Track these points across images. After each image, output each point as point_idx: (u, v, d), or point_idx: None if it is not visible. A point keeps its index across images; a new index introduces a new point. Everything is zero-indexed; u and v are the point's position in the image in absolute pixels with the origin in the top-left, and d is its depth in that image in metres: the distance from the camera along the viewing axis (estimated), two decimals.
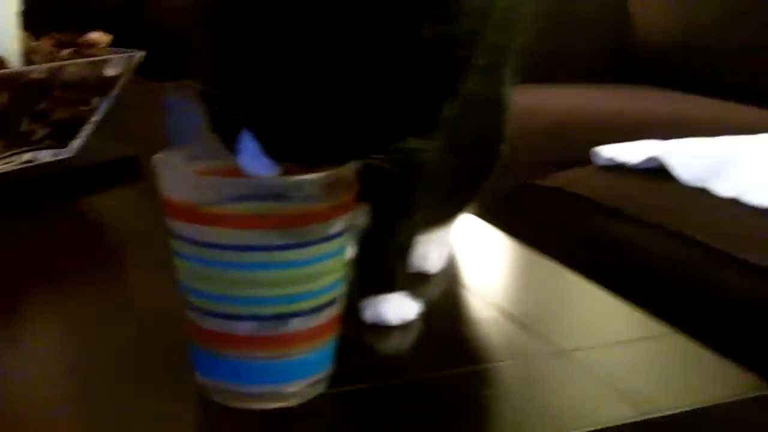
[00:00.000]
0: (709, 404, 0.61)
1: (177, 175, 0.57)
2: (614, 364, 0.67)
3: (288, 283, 0.55)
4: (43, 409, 0.61)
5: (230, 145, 0.56)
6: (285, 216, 0.54)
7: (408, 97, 0.56)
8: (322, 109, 0.54)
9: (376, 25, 0.53)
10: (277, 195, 0.55)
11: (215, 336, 0.57)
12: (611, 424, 0.58)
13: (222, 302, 0.56)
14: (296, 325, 0.56)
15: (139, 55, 1.15)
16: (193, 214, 0.55)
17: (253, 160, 0.55)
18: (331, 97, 0.54)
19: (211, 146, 0.59)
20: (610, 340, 0.72)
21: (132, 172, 1.17)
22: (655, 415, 0.59)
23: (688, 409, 0.60)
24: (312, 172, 0.55)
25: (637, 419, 0.59)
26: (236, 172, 0.56)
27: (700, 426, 0.62)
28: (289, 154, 0.55)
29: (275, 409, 0.58)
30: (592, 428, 0.57)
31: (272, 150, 0.55)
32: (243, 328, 0.56)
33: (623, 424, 0.58)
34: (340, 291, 0.59)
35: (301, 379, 0.58)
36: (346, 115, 0.54)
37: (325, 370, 0.59)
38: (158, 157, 0.57)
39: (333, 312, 0.58)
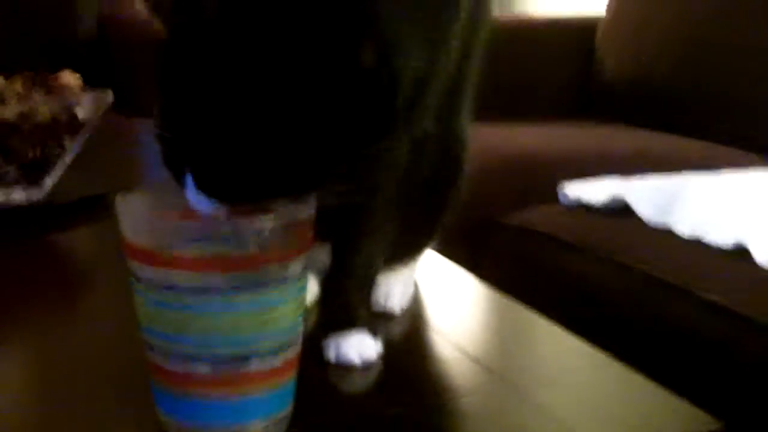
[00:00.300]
0: None
1: (135, 217, 0.58)
2: (567, 400, 0.69)
3: (245, 326, 0.56)
4: None
5: (179, 181, 0.58)
6: (240, 259, 0.55)
7: (343, 130, 0.57)
8: (254, 148, 0.55)
9: (311, 56, 0.55)
10: (233, 238, 0.56)
11: (175, 376, 0.58)
12: None
13: (179, 343, 0.57)
14: (254, 366, 0.57)
15: (110, 96, 1.17)
16: (150, 256, 0.56)
17: (197, 197, 0.57)
18: (263, 136, 0.55)
19: (174, 186, 0.61)
20: (565, 378, 0.74)
21: (101, 209, 1.16)
22: None
23: None
24: (264, 213, 0.56)
25: None
26: (197, 215, 0.58)
27: None
28: (223, 192, 0.57)
29: None
30: None
31: (207, 188, 0.57)
32: (201, 369, 0.57)
33: None
34: (297, 332, 0.60)
35: (261, 418, 0.59)
36: (279, 152, 0.56)
37: (285, 409, 0.61)
38: (119, 199, 0.59)
39: (291, 353, 0.59)
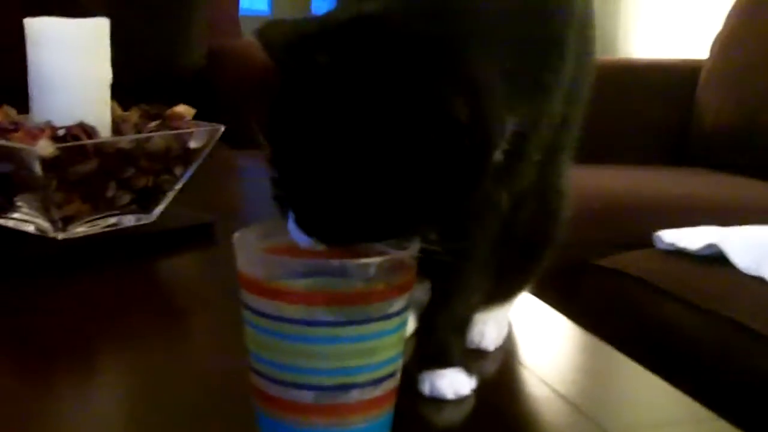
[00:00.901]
0: None
1: (249, 250, 0.62)
2: None
3: (348, 357, 0.59)
4: None
5: (284, 217, 0.62)
6: (347, 294, 0.59)
7: (436, 181, 0.60)
8: (351, 194, 0.59)
9: (408, 111, 0.58)
10: (340, 274, 0.59)
11: (278, 402, 0.61)
12: None
13: (285, 371, 0.60)
14: (355, 396, 0.60)
15: (221, 129, 1.20)
16: (261, 288, 0.60)
17: (297, 232, 0.61)
18: (360, 183, 0.59)
19: (285, 223, 0.64)
20: (655, 423, 0.75)
21: (207, 237, 1.21)
22: None
23: None
24: (370, 254, 0.60)
25: None
26: (304, 251, 0.62)
27: None
28: (319, 233, 0.61)
29: None
30: None
31: (305, 228, 0.61)
32: (304, 397, 0.60)
33: None
34: (397, 365, 0.62)
35: None
36: (374, 200, 0.59)
37: None
38: (236, 235, 0.62)
39: (390, 385, 0.62)
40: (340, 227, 0.61)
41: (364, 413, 0.61)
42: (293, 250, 0.64)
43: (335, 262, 0.59)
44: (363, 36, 0.61)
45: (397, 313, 0.61)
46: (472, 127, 0.60)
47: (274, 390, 0.61)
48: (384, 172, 0.59)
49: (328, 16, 0.65)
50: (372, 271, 0.59)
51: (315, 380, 0.60)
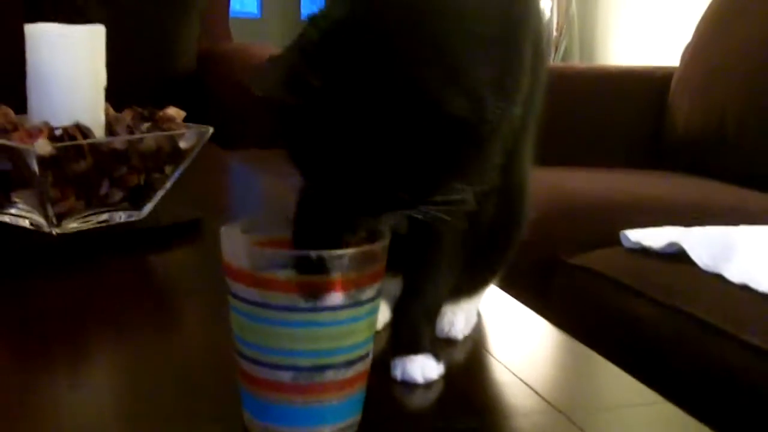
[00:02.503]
0: None
1: (236, 243, 0.67)
2: (608, 426, 0.75)
3: (324, 340, 0.65)
4: None
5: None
6: (323, 283, 0.64)
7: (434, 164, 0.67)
8: (365, 173, 0.66)
9: (403, 111, 0.65)
10: (318, 264, 0.64)
11: (262, 382, 0.66)
12: None
13: (268, 354, 0.65)
14: (330, 376, 0.65)
15: (209, 130, 1.25)
16: (246, 276, 0.65)
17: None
18: (375, 166, 0.66)
19: (267, 218, 0.72)
20: (609, 406, 0.80)
21: (196, 233, 1.26)
22: None
23: None
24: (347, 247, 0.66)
25: None
26: (285, 244, 0.68)
27: None
28: (341, 207, 0.68)
29: None
30: None
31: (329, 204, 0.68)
32: (285, 377, 0.65)
33: None
34: (368, 348, 0.68)
35: (333, 423, 0.67)
36: (383, 177, 0.66)
37: (353, 417, 0.69)
38: (223, 229, 0.68)
39: (362, 367, 0.68)
40: (357, 199, 0.67)
41: (338, 392, 0.66)
42: (274, 243, 0.70)
43: (313, 254, 0.64)
44: (345, 46, 0.67)
45: (369, 300, 0.66)
46: (472, 119, 0.67)
47: (257, 371, 0.66)
48: (396, 161, 0.66)
49: (302, 36, 0.69)
50: (346, 260, 0.64)
51: (294, 362, 0.65)
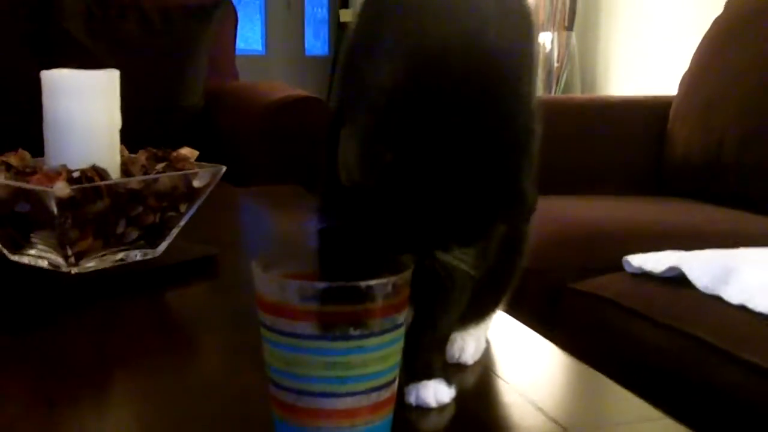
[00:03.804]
0: None
1: (266, 277, 0.70)
2: None
3: (373, 364, 0.68)
4: None
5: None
6: (373, 310, 0.67)
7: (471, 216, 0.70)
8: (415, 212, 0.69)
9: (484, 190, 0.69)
10: (365, 293, 0.67)
11: (311, 412, 0.68)
12: None
13: (320, 383, 0.67)
14: (374, 398, 0.69)
15: (222, 169, 1.28)
16: (277, 308, 0.68)
17: None
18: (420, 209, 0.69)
19: (288, 252, 0.75)
20: (613, 423, 0.83)
21: (211, 270, 1.28)
22: None
23: None
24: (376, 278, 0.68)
25: None
26: (308, 277, 0.71)
27: None
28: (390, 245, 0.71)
29: None
30: None
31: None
32: (340, 404, 0.68)
33: None
34: (397, 372, 0.71)
35: None
36: (422, 225, 0.69)
37: None
38: (254, 263, 0.70)
39: (395, 387, 0.71)
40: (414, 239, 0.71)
41: (380, 412, 0.70)
42: (297, 277, 0.72)
43: (359, 284, 0.67)
44: (414, 121, 0.69)
45: (403, 323, 0.70)
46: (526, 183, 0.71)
47: (306, 401, 0.68)
48: (459, 221, 0.70)
49: (370, 110, 0.71)
50: (389, 288, 0.68)
51: (348, 388, 0.67)
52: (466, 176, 0.68)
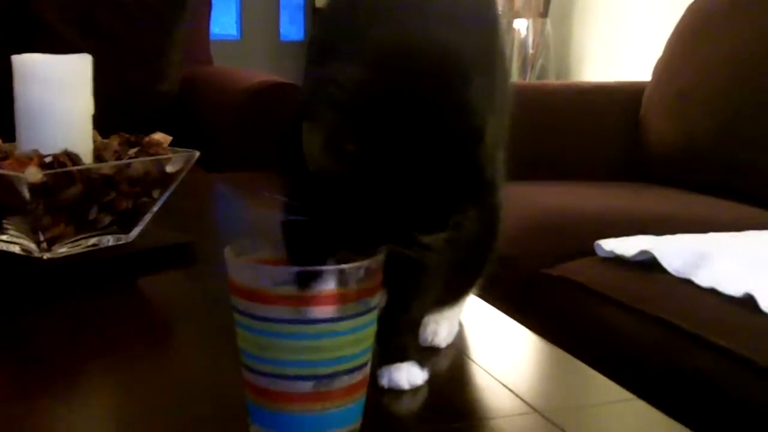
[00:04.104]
0: None
1: (239, 262, 0.70)
2: (589, 428, 0.80)
3: (344, 347, 0.68)
4: None
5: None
6: (347, 294, 0.68)
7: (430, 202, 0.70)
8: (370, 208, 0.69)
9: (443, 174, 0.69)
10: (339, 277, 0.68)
11: (281, 395, 0.68)
12: None
13: (290, 366, 0.68)
14: (346, 381, 0.69)
15: (196, 154, 1.27)
16: (250, 293, 0.68)
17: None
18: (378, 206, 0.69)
19: (260, 239, 0.75)
20: (583, 404, 0.85)
21: (185, 256, 1.28)
22: None
23: None
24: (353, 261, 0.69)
25: None
26: (283, 261, 0.72)
27: None
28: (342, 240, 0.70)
29: None
30: None
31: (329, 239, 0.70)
32: (305, 387, 0.68)
33: None
34: (370, 355, 0.72)
35: (347, 425, 0.71)
36: (385, 215, 0.69)
37: (357, 421, 0.72)
38: (227, 249, 0.70)
39: (368, 370, 0.71)
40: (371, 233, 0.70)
41: (351, 395, 0.70)
42: (267, 263, 0.73)
43: (331, 268, 0.67)
44: (380, 113, 0.69)
45: (375, 307, 0.70)
46: (485, 170, 0.71)
47: (277, 384, 0.68)
48: (421, 208, 0.70)
49: (331, 97, 0.71)
50: (362, 273, 0.68)
51: (314, 371, 0.68)
52: (425, 166, 0.68)
